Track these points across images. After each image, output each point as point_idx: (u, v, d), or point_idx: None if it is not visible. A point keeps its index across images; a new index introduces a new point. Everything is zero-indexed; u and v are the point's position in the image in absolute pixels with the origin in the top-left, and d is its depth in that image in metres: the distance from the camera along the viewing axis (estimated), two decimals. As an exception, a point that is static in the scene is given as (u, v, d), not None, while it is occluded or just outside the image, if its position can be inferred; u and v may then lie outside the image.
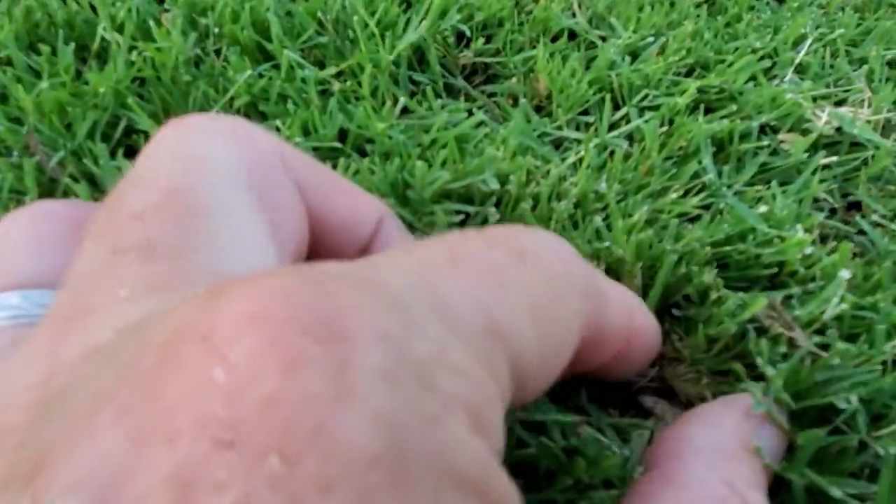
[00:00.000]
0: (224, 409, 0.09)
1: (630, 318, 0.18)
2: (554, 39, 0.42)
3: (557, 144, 0.37)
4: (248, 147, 0.17)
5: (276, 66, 0.36)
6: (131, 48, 0.35)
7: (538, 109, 0.39)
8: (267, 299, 0.10)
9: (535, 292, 0.14)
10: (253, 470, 0.09)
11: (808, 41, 0.42)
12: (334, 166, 0.30)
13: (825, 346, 0.25)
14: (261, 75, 0.35)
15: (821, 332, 0.26)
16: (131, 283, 0.13)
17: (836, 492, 0.22)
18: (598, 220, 0.29)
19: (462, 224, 0.30)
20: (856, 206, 0.35)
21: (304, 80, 0.35)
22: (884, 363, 0.24)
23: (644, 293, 0.27)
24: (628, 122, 0.36)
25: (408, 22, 0.39)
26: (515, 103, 0.38)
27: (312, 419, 0.09)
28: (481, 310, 0.12)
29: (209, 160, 0.16)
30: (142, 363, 0.10)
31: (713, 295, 0.27)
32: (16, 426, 0.11)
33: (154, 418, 0.09)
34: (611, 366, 0.19)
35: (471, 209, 0.29)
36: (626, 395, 0.27)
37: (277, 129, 0.31)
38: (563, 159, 0.34)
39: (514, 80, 0.39)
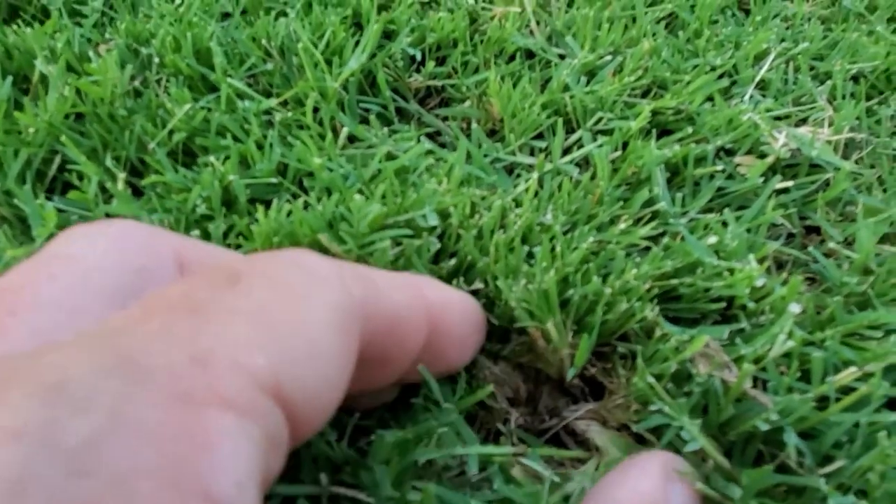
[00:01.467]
0: None
1: (418, 296, 0.17)
2: (510, 59, 0.41)
3: (510, 170, 0.36)
4: (135, 249, 0.16)
5: (218, 98, 0.35)
6: (67, 83, 0.34)
7: (492, 133, 0.38)
8: None
9: (258, 311, 0.12)
10: None
11: (771, 56, 0.41)
12: (268, 205, 0.29)
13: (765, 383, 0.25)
14: (202, 107, 0.34)
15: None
16: None
17: None
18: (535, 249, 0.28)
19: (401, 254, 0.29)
20: (815, 231, 0.34)
21: (245, 111, 0.34)
22: (824, 399, 0.24)
23: (581, 330, 0.26)
24: (581, 146, 0.35)
25: (356, 46, 0.38)
26: (469, 127, 0.37)
27: None
28: (185, 343, 0.11)
29: (69, 259, 0.15)
30: None
31: (658, 332, 0.27)
32: None
33: None
34: (443, 352, 0.19)
35: (411, 240, 0.28)
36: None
37: (212, 165, 0.30)
38: (515, 186, 0.33)
39: (467, 103, 0.38)
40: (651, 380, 0.23)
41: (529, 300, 0.24)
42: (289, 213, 0.28)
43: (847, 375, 0.23)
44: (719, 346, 0.25)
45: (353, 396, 0.19)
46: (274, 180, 0.30)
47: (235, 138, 0.32)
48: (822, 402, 0.24)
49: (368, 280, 0.16)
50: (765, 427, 0.22)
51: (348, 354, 0.14)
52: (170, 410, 0.10)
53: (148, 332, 0.11)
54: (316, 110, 0.35)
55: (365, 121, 0.37)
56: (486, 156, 0.35)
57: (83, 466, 0.09)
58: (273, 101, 0.34)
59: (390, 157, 0.33)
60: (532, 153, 0.36)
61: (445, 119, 0.39)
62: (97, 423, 0.10)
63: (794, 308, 0.26)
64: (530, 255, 0.28)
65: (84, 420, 0.09)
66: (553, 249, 0.28)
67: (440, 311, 0.18)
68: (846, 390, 0.24)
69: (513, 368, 0.27)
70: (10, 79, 0.35)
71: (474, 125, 0.36)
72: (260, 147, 0.32)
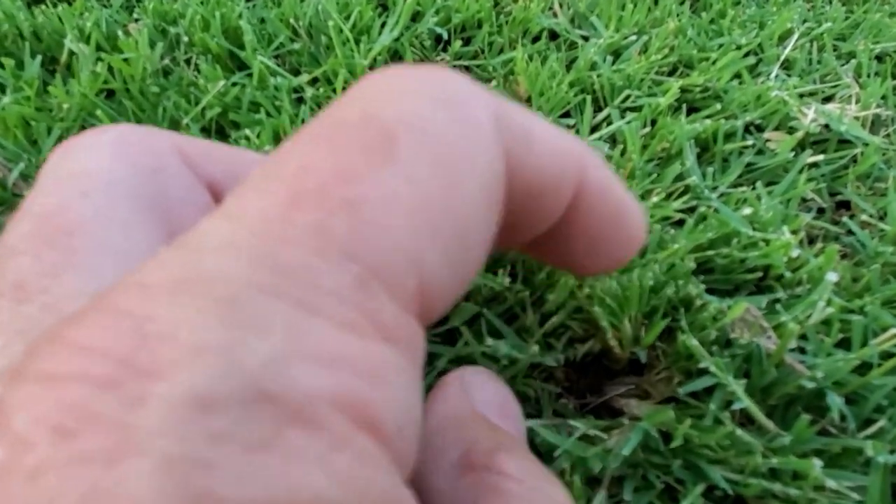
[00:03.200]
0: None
1: (574, 168, 0.14)
2: (535, 40, 0.41)
3: (538, 148, 0.36)
4: (140, 153, 0.16)
5: (250, 74, 0.35)
6: (98, 60, 0.34)
7: (519, 112, 0.38)
8: (66, 354, 0.09)
9: (416, 190, 0.10)
10: None
11: (795, 36, 0.41)
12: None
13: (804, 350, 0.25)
14: (234, 84, 0.34)
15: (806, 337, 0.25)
16: (5, 329, 0.12)
17: (831, 483, 0.21)
18: None
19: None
20: (845, 205, 0.34)
21: (276, 88, 0.34)
22: (864, 365, 0.24)
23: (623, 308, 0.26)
24: (610, 123, 0.35)
25: (383, 26, 0.38)
26: (495, 107, 0.37)
27: (81, 484, 0.08)
28: (345, 258, 0.10)
29: (88, 175, 0.15)
30: None
31: (697, 303, 0.27)
32: None
33: None
34: (574, 244, 0.16)
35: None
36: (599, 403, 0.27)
37: (247, 139, 0.30)
38: (544, 163, 0.33)
39: (493, 83, 0.39)
40: (694, 341, 0.23)
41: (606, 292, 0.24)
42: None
43: (889, 337, 0.24)
44: (759, 312, 0.25)
45: None
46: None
47: (268, 114, 0.32)
48: (862, 369, 0.24)
49: (525, 131, 0.13)
50: (811, 385, 0.22)
51: (491, 231, 0.12)
52: (339, 339, 0.10)
53: (302, 231, 0.10)
54: (345, 88, 0.35)
55: (392, 100, 0.37)
56: (514, 133, 0.35)
57: (265, 389, 0.09)
58: (304, 78, 0.34)
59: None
60: (560, 131, 0.36)
61: (471, 99, 0.39)
62: (275, 346, 0.09)
63: (832, 276, 0.26)
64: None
65: (263, 342, 0.09)
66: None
67: (593, 194, 0.14)
68: (886, 356, 0.24)
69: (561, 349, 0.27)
70: (39, 58, 0.36)
71: (502, 103, 0.36)
72: (292, 123, 0.32)
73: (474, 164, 0.11)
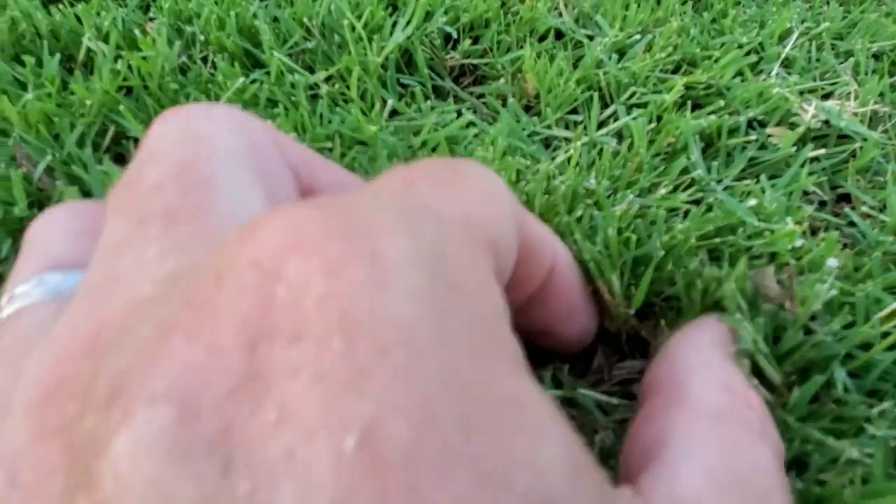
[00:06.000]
0: (288, 316, 0.11)
1: (551, 244, 0.20)
2: (541, 39, 0.42)
3: (547, 144, 0.37)
4: (245, 132, 0.18)
5: (267, 72, 0.36)
6: (117, 58, 0.35)
7: (527, 109, 0.39)
8: (304, 221, 0.12)
9: (476, 199, 0.16)
10: (321, 352, 0.11)
11: (794, 35, 0.42)
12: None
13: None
14: (252, 81, 0.35)
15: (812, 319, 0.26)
16: (158, 245, 0.14)
17: (854, 453, 0.22)
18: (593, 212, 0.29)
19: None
20: (845, 198, 0.35)
21: (293, 85, 0.35)
22: (865, 345, 0.25)
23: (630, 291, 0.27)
24: (616, 119, 0.36)
25: (394, 24, 0.39)
26: (504, 104, 0.38)
27: (362, 304, 0.11)
28: (457, 207, 0.15)
29: (212, 140, 0.17)
30: (201, 295, 0.12)
31: (699, 284, 0.27)
32: (76, 375, 0.12)
33: (228, 333, 0.11)
34: (554, 306, 0.21)
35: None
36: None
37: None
38: (553, 158, 0.34)
39: (502, 80, 0.39)
40: (732, 286, 0.24)
41: (593, 256, 0.25)
42: (352, 159, 0.29)
43: (892, 311, 0.25)
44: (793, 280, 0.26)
45: None
46: (329, 145, 0.31)
47: (286, 109, 0.33)
48: (864, 347, 0.25)
49: (525, 212, 0.18)
50: (827, 352, 0.23)
51: (514, 260, 0.17)
52: (464, 250, 0.14)
53: (426, 191, 0.15)
54: (359, 86, 0.36)
55: (402, 97, 0.38)
56: (523, 129, 0.36)
57: (438, 273, 0.13)
58: (321, 76, 0.35)
59: (435, 129, 0.34)
60: (567, 127, 0.37)
61: (480, 96, 0.40)
62: (435, 247, 0.13)
63: (833, 262, 0.27)
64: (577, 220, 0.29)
65: (433, 245, 0.13)
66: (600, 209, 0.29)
67: (559, 259, 0.20)
68: (886, 335, 0.25)
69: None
70: (57, 56, 0.36)
71: (510, 100, 0.37)
72: (310, 117, 0.33)
73: (504, 202, 0.17)
